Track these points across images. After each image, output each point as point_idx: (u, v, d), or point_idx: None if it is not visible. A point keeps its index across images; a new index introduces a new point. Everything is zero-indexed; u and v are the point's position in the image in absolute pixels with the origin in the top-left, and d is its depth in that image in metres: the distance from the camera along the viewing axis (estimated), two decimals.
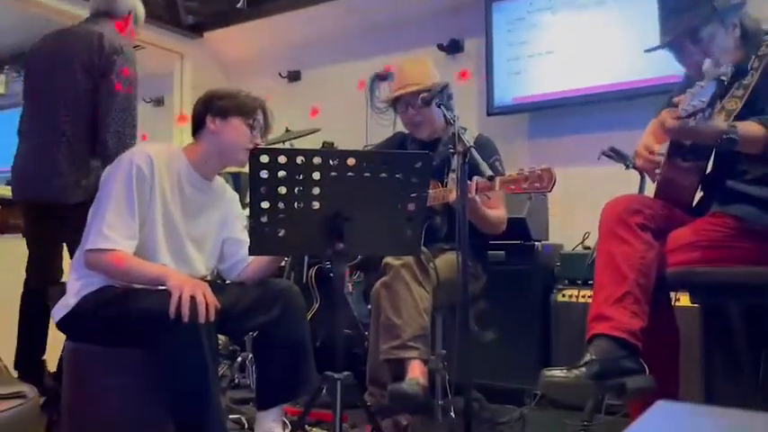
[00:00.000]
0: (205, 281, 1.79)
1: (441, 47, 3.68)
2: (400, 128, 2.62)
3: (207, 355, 1.60)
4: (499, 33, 3.42)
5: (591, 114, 3.21)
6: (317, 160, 1.56)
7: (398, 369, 2.02)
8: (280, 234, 1.63)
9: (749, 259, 1.64)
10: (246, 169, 1.58)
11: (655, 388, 1.57)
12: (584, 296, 2.55)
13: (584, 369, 1.54)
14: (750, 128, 1.57)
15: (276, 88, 4.27)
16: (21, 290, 2.60)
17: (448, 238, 2.32)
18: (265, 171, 1.55)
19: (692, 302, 2.14)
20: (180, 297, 1.59)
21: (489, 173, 1.82)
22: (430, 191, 2.16)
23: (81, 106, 2.37)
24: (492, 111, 3.43)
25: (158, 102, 5.05)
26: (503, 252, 2.80)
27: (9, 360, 2.54)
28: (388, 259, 2.10)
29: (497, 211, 2.27)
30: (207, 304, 1.61)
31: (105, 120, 2.34)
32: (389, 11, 3.92)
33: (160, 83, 4.87)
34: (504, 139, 2.66)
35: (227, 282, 2.08)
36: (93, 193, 2.29)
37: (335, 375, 1.57)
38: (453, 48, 3.68)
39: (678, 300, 2.19)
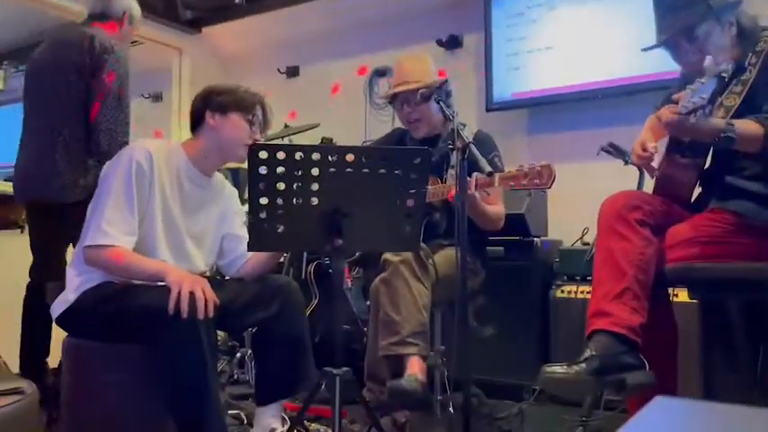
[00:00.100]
0: (204, 277, 1.79)
1: (440, 42, 3.68)
2: (399, 124, 2.62)
3: (206, 351, 1.60)
4: (498, 29, 3.41)
5: (590, 110, 3.21)
6: (315, 156, 1.55)
7: (397, 365, 2.02)
8: (279, 230, 1.63)
9: (748, 255, 1.64)
10: (245, 165, 1.58)
11: (654, 383, 1.58)
12: (582, 292, 2.55)
13: (584, 365, 1.55)
14: (748, 126, 1.57)
15: (275, 84, 4.27)
16: (21, 285, 2.61)
17: (447, 234, 2.32)
18: (264, 167, 1.55)
19: (690, 298, 2.15)
20: (179, 293, 1.58)
21: (488, 169, 1.82)
22: (429, 187, 2.16)
23: (75, 107, 2.41)
24: (491, 106, 3.43)
25: (157, 97, 5.04)
26: (502, 248, 2.80)
27: (8, 357, 2.54)
28: (387, 255, 2.10)
29: (496, 207, 2.27)
30: (206, 300, 1.61)
31: (97, 118, 2.37)
32: (388, 6, 3.91)
33: (158, 78, 4.86)
34: (504, 135, 2.66)
35: (226, 278, 2.08)
36: (91, 191, 2.31)
37: (334, 371, 1.57)
38: (452, 43, 3.68)
39: (677, 295, 2.19)
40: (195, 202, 1.93)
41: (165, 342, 1.59)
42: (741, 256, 1.65)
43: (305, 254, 3.06)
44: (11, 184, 2.79)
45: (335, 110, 3.96)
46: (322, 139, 3.30)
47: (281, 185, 1.57)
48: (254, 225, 1.62)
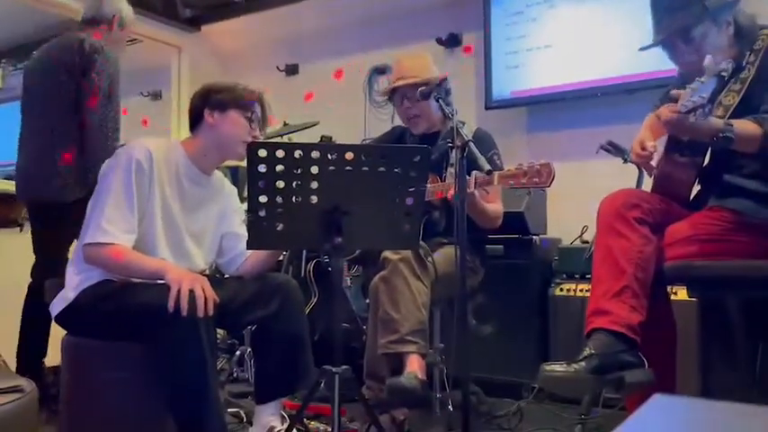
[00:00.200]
0: (203, 275, 1.79)
1: (439, 41, 3.68)
2: (398, 121, 2.62)
3: (206, 349, 1.60)
4: (498, 27, 3.41)
5: (589, 108, 3.20)
6: (315, 154, 1.55)
7: (396, 363, 2.02)
8: (278, 228, 1.63)
9: (747, 253, 1.65)
10: (245, 163, 1.58)
11: (654, 381, 1.58)
12: (582, 290, 2.55)
13: (583, 363, 1.55)
14: (746, 127, 1.57)
15: (274, 82, 4.26)
16: (20, 284, 2.61)
17: (446, 233, 2.32)
18: (263, 165, 1.55)
19: (689, 296, 2.15)
20: (179, 291, 1.58)
21: (488, 167, 1.82)
22: (429, 185, 2.16)
23: (68, 107, 2.44)
24: (490, 105, 3.43)
25: (156, 95, 5.03)
26: (501, 246, 2.80)
27: (7, 355, 2.55)
28: (387, 253, 2.10)
29: (494, 206, 2.27)
30: (205, 298, 1.60)
31: (87, 118, 2.41)
32: (388, 4, 3.91)
33: (158, 76, 4.86)
34: (503, 133, 2.66)
35: (226, 276, 2.08)
36: (90, 189, 2.33)
37: (334, 369, 1.57)
38: (452, 41, 3.68)
39: (675, 294, 2.20)
40: (195, 201, 1.93)
41: (165, 340, 1.59)
42: (740, 254, 1.65)
43: (304, 252, 3.06)
44: (10, 182, 2.81)
45: (335, 108, 3.96)
46: (321, 138, 3.30)
47: (281, 184, 1.57)
48: (253, 223, 1.62)
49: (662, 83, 2.17)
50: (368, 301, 2.35)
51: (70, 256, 1.96)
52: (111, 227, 1.71)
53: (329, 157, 1.56)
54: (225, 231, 2.02)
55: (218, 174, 2.05)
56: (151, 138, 1.88)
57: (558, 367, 1.57)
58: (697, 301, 2.22)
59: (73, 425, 1.77)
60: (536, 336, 2.74)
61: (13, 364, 2.54)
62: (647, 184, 1.94)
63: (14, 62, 5.18)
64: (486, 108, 3.44)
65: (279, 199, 1.59)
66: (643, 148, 1.78)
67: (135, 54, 4.75)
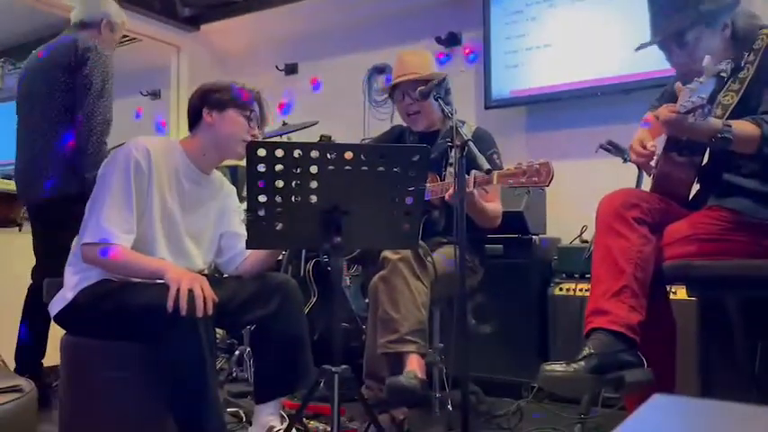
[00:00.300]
0: (203, 275, 1.79)
1: (439, 40, 3.67)
2: (398, 121, 2.62)
3: (205, 349, 1.60)
4: (497, 26, 3.41)
5: (588, 108, 3.20)
6: (314, 154, 1.55)
7: (396, 363, 2.02)
8: (277, 228, 1.63)
9: (746, 252, 1.65)
10: (244, 163, 1.58)
11: (653, 381, 1.58)
12: (581, 289, 2.55)
13: (582, 363, 1.55)
14: (745, 127, 1.56)
15: (273, 81, 4.26)
16: (19, 283, 2.61)
17: (446, 232, 2.32)
18: (263, 165, 1.55)
19: (688, 296, 2.15)
20: (178, 290, 1.58)
21: (487, 166, 1.82)
22: (428, 184, 2.16)
23: (64, 105, 2.48)
24: (489, 104, 3.43)
25: (155, 95, 5.03)
26: (500, 246, 2.80)
27: (6, 355, 2.55)
28: (386, 253, 2.10)
29: (493, 205, 2.27)
30: (205, 298, 1.60)
31: (79, 112, 2.45)
32: (387, 3, 3.91)
33: (157, 76, 4.86)
34: (502, 133, 2.66)
35: (225, 275, 2.08)
36: (81, 185, 2.35)
37: (333, 369, 1.57)
38: (451, 40, 3.67)
39: (675, 293, 2.20)
40: (194, 200, 1.93)
41: (164, 340, 1.59)
42: (739, 254, 1.65)
43: (303, 252, 3.05)
44: (9, 182, 2.82)
45: (334, 107, 3.96)
46: (321, 137, 3.29)
47: (280, 183, 1.57)
48: (252, 223, 1.62)
49: (661, 82, 2.16)
50: (367, 300, 2.35)
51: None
52: (110, 226, 1.70)
53: (328, 156, 1.56)
54: (224, 231, 2.02)
55: (217, 173, 2.05)
56: (150, 137, 1.88)
57: (557, 367, 1.57)
58: (696, 301, 2.22)
59: (72, 425, 1.77)
60: (535, 335, 2.74)
61: (12, 364, 2.54)
62: (647, 183, 1.94)
63: (13, 62, 5.17)
64: (486, 107, 3.44)
65: (278, 198, 1.59)
66: (643, 147, 1.78)
67: (134, 53, 4.76)
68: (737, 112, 1.63)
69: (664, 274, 1.70)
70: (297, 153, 1.55)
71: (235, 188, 2.13)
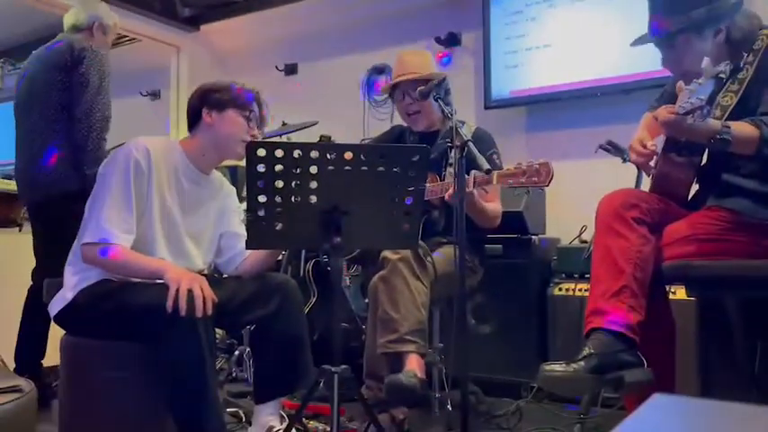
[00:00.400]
0: (202, 275, 1.79)
1: (438, 40, 3.68)
2: (397, 121, 2.62)
3: (204, 349, 1.60)
4: (497, 26, 3.41)
5: (588, 108, 3.21)
6: (314, 154, 1.55)
7: (396, 363, 2.02)
8: (277, 228, 1.63)
9: (745, 252, 1.65)
10: (243, 163, 1.58)
11: (653, 381, 1.58)
12: (580, 290, 2.55)
13: (582, 363, 1.55)
14: (743, 129, 1.56)
15: (273, 81, 4.26)
16: (19, 283, 2.61)
17: (446, 232, 2.32)
18: (262, 165, 1.55)
19: (688, 296, 2.15)
20: (177, 291, 1.58)
21: (486, 167, 1.82)
22: (428, 185, 2.16)
23: (61, 103, 2.51)
24: (489, 104, 3.43)
25: (155, 95, 5.03)
26: (500, 246, 2.81)
27: (6, 355, 2.55)
28: (386, 253, 2.10)
29: (493, 205, 2.27)
30: (204, 298, 1.60)
31: (77, 110, 2.48)
32: (387, 4, 3.91)
33: (156, 76, 4.86)
34: (502, 133, 2.66)
35: (225, 276, 2.08)
36: (81, 182, 2.36)
37: (333, 369, 1.57)
38: (451, 41, 3.68)
39: (674, 293, 2.20)
40: (193, 201, 1.93)
41: (164, 340, 1.59)
42: (738, 254, 1.65)
43: (303, 252, 3.06)
44: (9, 182, 2.82)
45: (334, 107, 3.96)
46: (320, 137, 3.29)
47: (280, 183, 1.57)
48: (252, 223, 1.62)
49: (660, 83, 2.17)
50: (367, 300, 2.35)
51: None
52: (109, 227, 1.70)
53: (328, 156, 1.56)
54: (223, 231, 2.02)
55: (216, 173, 2.05)
56: (150, 137, 1.88)
57: (557, 367, 1.57)
58: (696, 301, 2.23)
59: (71, 425, 1.77)
60: (535, 335, 2.74)
61: (12, 365, 2.54)
62: (646, 183, 1.94)
63: (13, 62, 5.17)
64: (485, 108, 3.44)
65: (278, 198, 1.59)
66: (643, 147, 1.78)
67: (134, 54, 4.77)
68: (736, 113, 1.63)
69: (663, 275, 1.70)
70: (296, 153, 1.55)
71: (234, 188, 2.13)
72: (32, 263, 2.64)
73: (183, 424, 1.64)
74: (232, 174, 3.15)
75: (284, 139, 3.11)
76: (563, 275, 2.79)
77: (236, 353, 2.94)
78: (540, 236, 2.90)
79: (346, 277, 2.92)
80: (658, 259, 1.69)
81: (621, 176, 2.09)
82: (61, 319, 1.79)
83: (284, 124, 3.26)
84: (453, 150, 1.82)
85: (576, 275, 2.73)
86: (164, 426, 1.66)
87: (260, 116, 1.97)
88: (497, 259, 2.74)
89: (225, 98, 1.90)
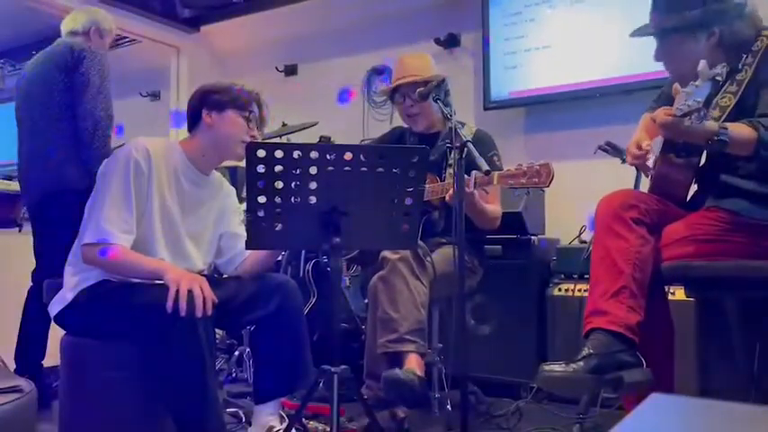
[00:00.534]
0: (202, 275, 1.79)
1: (438, 41, 3.68)
2: (397, 121, 2.62)
3: (204, 349, 1.60)
4: (496, 27, 3.41)
5: (587, 109, 3.21)
6: (314, 155, 1.55)
7: (395, 362, 2.02)
8: (277, 228, 1.63)
9: (744, 253, 1.65)
10: (243, 164, 1.58)
11: (652, 381, 1.58)
12: (580, 290, 2.55)
13: (582, 363, 1.55)
14: (741, 130, 1.57)
15: (273, 82, 4.26)
16: (19, 284, 2.61)
17: (445, 233, 2.33)
18: (262, 165, 1.55)
19: (687, 296, 2.16)
20: (177, 291, 1.59)
21: (486, 168, 1.83)
22: (428, 185, 2.16)
23: (63, 103, 2.54)
24: (488, 105, 3.43)
25: (155, 96, 5.03)
26: (499, 246, 2.81)
27: (5, 356, 2.54)
28: (386, 253, 2.11)
29: (493, 206, 2.28)
30: (204, 298, 1.61)
31: (79, 109, 2.51)
32: (387, 4, 3.91)
33: (156, 77, 4.86)
34: (501, 134, 2.66)
35: (224, 276, 2.08)
36: (88, 184, 2.38)
37: (332, 369, 1.57)
38: (450, 42, 3.68)
39: (673, 293, 2.20)
40: (193, 201, 1.93)
41: (164, 340, 1.59)
42: (737, 255, 1.65)
43: (303, 252, 3.06)
44: (8, 182, 2.83)
45: (334, 108, 3.96)
46: (320, 138, 3.30)
47: (280, 184, 1.57)
48: (252, 223, 1.62)
49: (659, 83, 2.17)
50: (366, 300, 2.35)
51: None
52: (109, 227, 1.71)
53: (328, 157, 1.56)
54: (223, 231, 2.02)
55: (216, 174, 2.05)
56: (150, 137, 1.88)
57: (556, 367, 1.57)
58: (694, 301, 2.23)
59: (71, 425, 1.77)
60: (534, 336, 2.74)
61: (12, 365, 2.54)
62: (645, 184, 1.95)
63: (13, 63, 5.18)
64: (485, 109, 3.45)
65: (277, 199, 1.59)
66: (639, 149, 1.79)
67: (133, 55, 4.77)
68: (735, 114, 1.64)
69: (662, 275, 1.70)
70: (296, 154, 1.56)
71: (234, 189, 2.13)
72: (32, 263, 2.64)
73: (183, 424, 1.64)
74: (232, 174, 3.15)
75: (284, 140, 3.12)
76: (562, 276, 2.79)
77: (236, 353, 2.94)
78: (539, 236, 2.91)
79: (346, 277, 2.92)
80: (657, 260, 1.69)
81: (620, 177, 2.10)
82: (61, 319, 1.79)
83: (284, 125, 3.26)
84: (453, 151, 1.82)
85: (575, 276, 2.73)
86: (163, 426, 1.67)
87: (260, 117, 1.97)
88: (497, 260, 2.74)
89: (225, 99, 1.90)
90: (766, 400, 1.90)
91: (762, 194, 1.66)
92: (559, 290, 2.74)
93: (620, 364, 1.56)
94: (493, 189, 2.17)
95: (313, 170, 1.56)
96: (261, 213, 1.60)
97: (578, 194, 2.70)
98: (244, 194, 1.66)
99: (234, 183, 2.46)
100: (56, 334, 1.88)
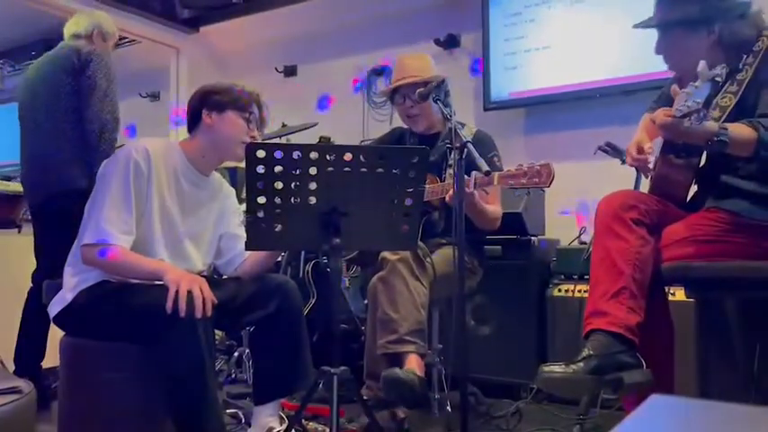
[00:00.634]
0: (202, 276, 1.79)
1: (437, 42, 3.68)
2: (397, 122, 2.62)
3: (204, 350, 1.60)
4: (496, 28, 3.41)
5: (587, 109, 3.21)
6: (313, 155, 1.55)
7: (395, 363, 2.02)
8: (276, 229, 1.63)
9: (744, 254, 1.65)
10: (243, 164, 1.58)
11: (652, 382, 1.58)
12: (580, 291, 2.55)
13: (581, 364, 1.55)
14: (741, 131, 1.57)
15: (272, 83, 4.26)
16: (18, 284, 2.61)
17: (445, 233, 2.33)
18: (262, 166, 1.55)
19: (687, 297, 2.15)
20: (177, 292, 1.58)
21: (486, 168, 1.82)
22: (427, 186, 2.16)
23: (70, 106, 2.56)
24: (488, 106, 3.43)
25: (154, 96, 5.03)
26: (499, 247, 2.81)
27: (5, 356, 2.54)
28: (385, 254, 2.11)
29: (494, 207, 2.27)
30: (204, 299, 1.60)
31: (87, 112, 2.53)
32: (386, 5, 3.91)
33: (156, 77, 4.86)
34: (501, 135, 2.66)
35: (224, 277, 2.08)
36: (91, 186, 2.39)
37: (332, 370, 1.57)
38: (450, 42, 3.68)
39: (673, 294, 2.20)
40: (193, 202, 1.93)
41: (163, 341, 1.59)
42: (737, 255, 1.65)
43: (303, 253, 3.06)
44: (8, 183, 2.83)
45: (333, 109, 3.97)
46: (320, 138, 3.30)
47: (279, 184, 1.57)
48: (251, 224, 1.62)
49: (659, 84, 2.17)
50: (366, 301, 2.35)
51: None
52: (109, 228, 1.70)
53: (327, 158, 1.56)
54: (223, 232, 2.02)
55: (216, 175, 2.05)
56: (150, 138, 1.88)
57: (556, 368, 1.57)
58: (694, 302, 2.23)
59: (71, 426, 1.77)
60: (534, 336, 2.74)
61: (11, 366, 2.54)
62: (645, 185, 1.95)
63: (13, 63, 5.18)
64: (485, 109, 3.45)
65: (277, 200, 1.59)
66: (639, 151, 1.79)
67: (133, 55, 4.77)
68: (735, 114, 1.63)
69: (662, 276, 1.70)
70: (296, 155, 1.55)
71: (234, 189, 2.13)
72: (32, 264, 2.63)
73: (183, 425, 1.64)
74: (231, 175, 3.15)
75: (284, 140, 3.12)
76: (562, 276, 2.79)
77: (236, 354, 2.94)
78: (539, 237, 2.91)
79: (345, 278, 2.92)
80: (657, 260, 1.69)
81: (621, 178, 2.09)
82: (60, 320, 1.79)
83: (284, 125, 3.26)
84: (453, 152, 1.82)
85: (575, 277, 2.73)
86: (163, 427, 1.66)
87: (260, 118, 1.97)
88: (497, 260, 2.74)
89: (225, 100, 1.90)
90: (766, 400, 1.90)
91: (762, 195, 1.66)
92: (559, 291, 2.74)
93: (620, 364, 1.56)
94: (493, 190, 2.17)
95: (313, 171, 1.56)
96: (260, 214, 1.60)
97: (578, 195, 2.71)
98: (243, 195, 1.66)
99: (233, 183, 2.46)
100: (55, 335, 1.88)
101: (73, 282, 1.77)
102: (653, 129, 1.81)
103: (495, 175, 1.99)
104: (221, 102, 1.90)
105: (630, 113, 2.21)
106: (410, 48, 3.58)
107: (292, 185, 1.58)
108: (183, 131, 2.10)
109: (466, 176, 1.91)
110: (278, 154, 1.54)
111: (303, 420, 2.12)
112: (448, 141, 1.89)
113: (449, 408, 2.27)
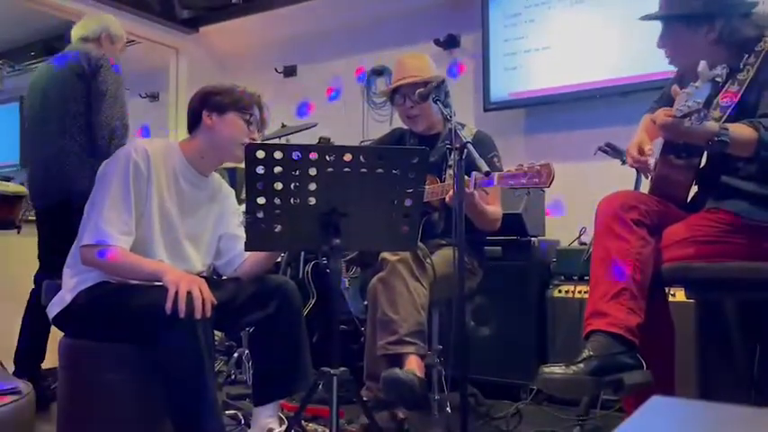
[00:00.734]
0: (201, 277, 1.79)
1: (437, 42, 3.68)
2: (397, 122, 2.62)
3: (203, 351, 1.60)
4: (496, 28, 3.42)
5: (587, 110, 3.21)
6: (313, 156, 1.55)
7: (395, 364, 2.02)
8: (276, 230, 1.63)
9: (744, 254, 1.65)
10: (243, 165, 1.58)
11: (652, 383, 1.58)
12: (580, 292, 2.55)
13: (582, 365, 1.55)
14: (742, 131, 1.56)
15: (272, 83, 4.26)
16: (17, 285, 2.61)
17: (445, 234, 2.32)
18: (261, 167, 1.55)
19: (687, 298, 2.15)
20: (176, 293, 1.58)
21: (486, 168, 1.82)
22: (427, 186, 2.16)
23: (80, 109, 2.57)
24: (488, 106, 3.43)
25: (153, 97, 5.03)
26: (499, 248, 2.81)
27: (5, 357, 2.54)
28: (385, 255, 2.10)
29: (494, 207, 2.27)
30: (203, 300, 1.60)
31: (97, 117, 2.54)
32: (386, 6, 3.91)
33: (155, 78, 4.86)
34: (501, 135, 2.66)
35: (224, 277, 2.07)
36: None
37: (332, 371, 1.57)
38: (450, 43, 3.68)
39: (674, 295, 2.20)
40: (192, 203, 1.93)
41: (163, 342, 1.59)
42: (737, 256, 1.65)
43: (302, 253, 3.06)
44: (7, 183, 2.83)
45: (333, 109, 3.97)
46: (319, 139, 3.30)
47: (279, 185, 1.57)
48: (251, 225, 1.62)
49: (659, 84, 2.17)
50: (366, 302, 2.35)
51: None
52: (108, 228, 1.70)
53: (327, 158, 1.56)
54: (222, 233, 2.02)
55: (215, 175, 2.05)
56: (149, 139, 1.88)
57: (556, 369, 1.57)
58: (695, 303, 2.23)
59: (70, 427, 1.77)
60: (534, 337, 2.74)
61: (11, 367, 2.54)
62: (645, 185, 1.94)
63: (12, 63, 5.17)
64: (485, 110, 3.45)
65: (277, 200, 1.59)
66: (640, 152, 1.79)
67: (132, 55, 4.75)
68: (736, 114, 1.63)
69: (662, 276, 1.70)
70: (295, 155, 1.55)
71: (233, 190, 2.13)
72: (32, 265, 2.63)
73: (182, 426, 1.63)
74: (231, 176, 3.15)
75: (283, 141, 3.11)
76: (562, 277, 2.79)
77: (236, 355, 2.94)
78: (539, 238, 2.90)
79: (345, 279, 2.92)
80: (658, 261, 1.68)
81: (621, 178, 2.09)
82: (60, 320, 1.79)
83: (283, 126, 3.26)
84: (453, 152, 1.82)
85: (575, 277, 2.72)
86: (162, 428, 1.66)
87: (261, 119, 1.97)
88: (497, 261, 2.74)
89: (226, 101, 1.90)
90: (766, 401, 1.90)
91: (762, 196, 1.66)
92: (559, 291, 2.74)
93: (620, 365, 1.56)
94: (493, 190, 2.17)
95: (312, 171, 1.56)
96: (260, 215, 1.59)
97: (578, 195, 2.70)
98: (243, 196, 1.66)
99: (233, 184, 2.45)
100: (55, 336, 1.87)
101: (72, 282, 1.77)
102: (653, 129, 1.81)
103: (496, 175, 1.98)
104: (222, 103, 1.90)
105: (630, 114, 2.21)
106: (410, 48, 3.58)
107: (292, 186, 1.57)
108: (182, 132, 2.10)
109: (466, 177, 1.91)
110: (277, 154, 1.54)
111: (303, 421, 2.12)
112: (448, 142, 1.89)
113: (449, 409, 2.27)
